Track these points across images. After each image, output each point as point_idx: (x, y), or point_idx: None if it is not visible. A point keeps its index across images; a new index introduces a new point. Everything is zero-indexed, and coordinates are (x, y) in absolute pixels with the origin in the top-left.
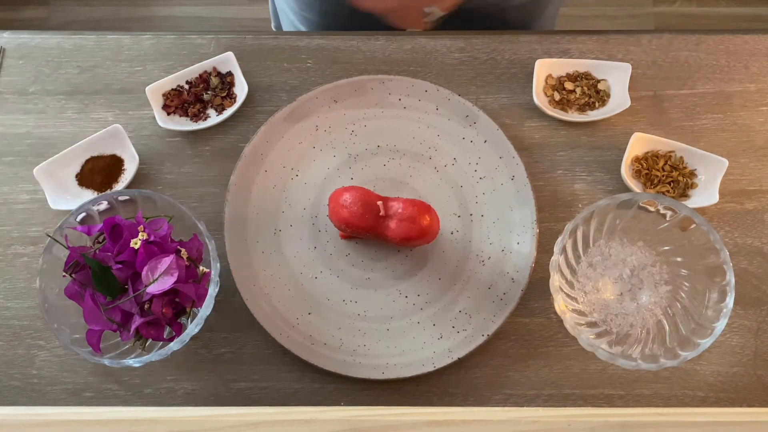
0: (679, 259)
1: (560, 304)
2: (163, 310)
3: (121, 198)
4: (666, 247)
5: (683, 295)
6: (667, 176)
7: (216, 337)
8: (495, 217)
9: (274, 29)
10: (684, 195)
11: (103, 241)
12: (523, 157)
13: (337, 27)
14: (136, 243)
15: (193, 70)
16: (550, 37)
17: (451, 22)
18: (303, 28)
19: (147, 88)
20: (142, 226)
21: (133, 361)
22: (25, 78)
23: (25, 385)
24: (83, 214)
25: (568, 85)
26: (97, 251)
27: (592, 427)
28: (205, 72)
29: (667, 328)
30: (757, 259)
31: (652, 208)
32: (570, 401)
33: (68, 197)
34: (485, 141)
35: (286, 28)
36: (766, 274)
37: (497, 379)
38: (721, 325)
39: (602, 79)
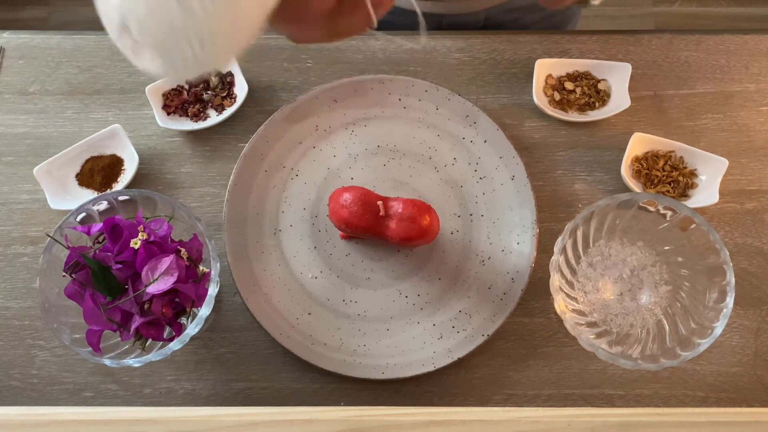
0: (679, 259)
1: (560, 304)
2: (163, 310)
3: (121, 198)
4: (666, 247)
5: (683, 295)
6: (667, 176)
7: (216, 337)
8: (495, 217)
9: None
10: (684, 195)
11: (103, 241)
12: (523, 157)
13: None
14: (136, 243)
15: None
16: (550, 37)
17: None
18: None
19: (147, 88)
20: (142, 226)
21: (133, 361)
22: (25, 78)
23: (25, 385)
24: (83, 214)
25: (568, 85)
26: (97, 251)
27: (592, 427)
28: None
29: (667, 328)
30: (757, 259)
31: (652, 208)
32: (570, 401)
33: (68, 197)
34: (485, 141)
35: None
36: (766, 274)
37: (497, 379)
38: (721, 325)
39: (602, 79)
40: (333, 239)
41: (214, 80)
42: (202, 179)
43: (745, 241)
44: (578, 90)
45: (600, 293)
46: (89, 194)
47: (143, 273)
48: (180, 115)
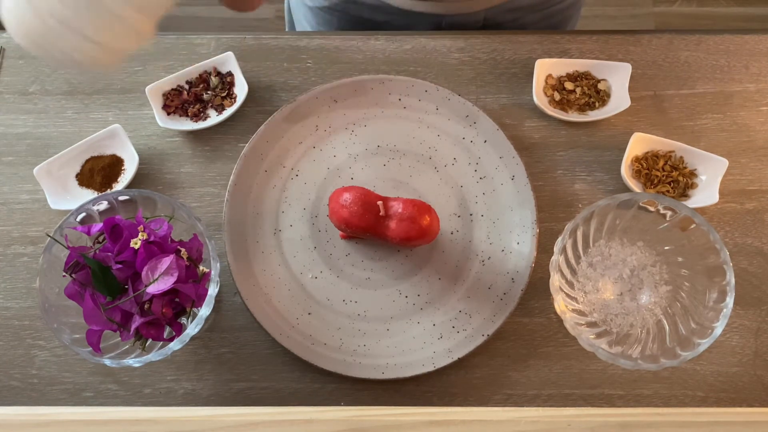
0: (679, 259)
1: (560, 304)
2: (163, 310)
3: (121, 198)
4: (666, 247)
5: (683, 295)
6: (667, 176)
7: (216, 337)
8: (495, 217)
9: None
10: (684, 195)
11: (103, 241)
12: (523, 157)
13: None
14: (136, 243)
15: (193, 70)
16: (550, 37)
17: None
18: (314, 22)
19: (147, 88)
20: (142, 226)
21: (133, 361)
22: (25, 78)
23: (25, 385)
24: (83, 214)
25: (568, 85)
26: (97, 251)
27: (592, 427)
28: (205, 72)
29: (667, 328)
30: (757, 259)
31: (652, 208)
32: (570, 401)
33: (68, 197)
34: (485, 141)
35: (299, 25)
36: (766, 274)
37: (497, 379)
38: (721, 325)
39: (602, 79)
40: (333, 239)
41: (214, 80)
42: (202, 179)
43: (745, 241)
44: (578, 90)
45: (600, 293)
46: (89, 194)
47: (143, 273)
48: (180, 115)
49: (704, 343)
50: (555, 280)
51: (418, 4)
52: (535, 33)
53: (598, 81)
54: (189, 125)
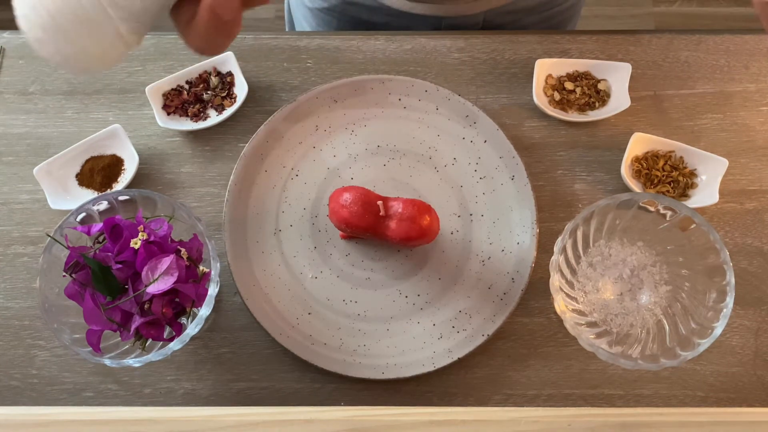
0: (679, 259)
1: (560, 304)
2: (163, 310)
3: (121, 198)
4: (666, 247)
5: (683, 295)
6: (667, 176)
7: (216, 337)
8: (495, 217)
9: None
10: (684, 195)
11: (103, 241)
12: (523, 157)
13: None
14: (136, 243)
15: (193, 70)
16: (550, 37)
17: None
18: (314, 23)
19: (147, 88)
20: (142, 226)
21: (133, 361)
22: (25, 78)
23: (25, 385)
24: (83, 214)
25: (568, 85)
26: (97, 251)
27: (592, 427)
28: (205, 72)
29: (667, 328)
30: (757, 259)
31: (652, 208)
32: (570, 401)
33: (68, 197)
34: (485, 141)
35: (298, 26)
36: (766, 274)
37: (497, 379)
38: (721, 325)
39: (602, 79)
40: (333, 239)
41: (214, 80)
42: (202, 179)
43: (745, 241)
44: (578, 90)
45: (600, 293)
46: (89, 194)
47: (143, 273)
48: (180, 115)
49: (704, 343)
50: (555, 280)
51: (416, 6)
52: (535, 33)
53: (598, 81)
54: (189, 125)
